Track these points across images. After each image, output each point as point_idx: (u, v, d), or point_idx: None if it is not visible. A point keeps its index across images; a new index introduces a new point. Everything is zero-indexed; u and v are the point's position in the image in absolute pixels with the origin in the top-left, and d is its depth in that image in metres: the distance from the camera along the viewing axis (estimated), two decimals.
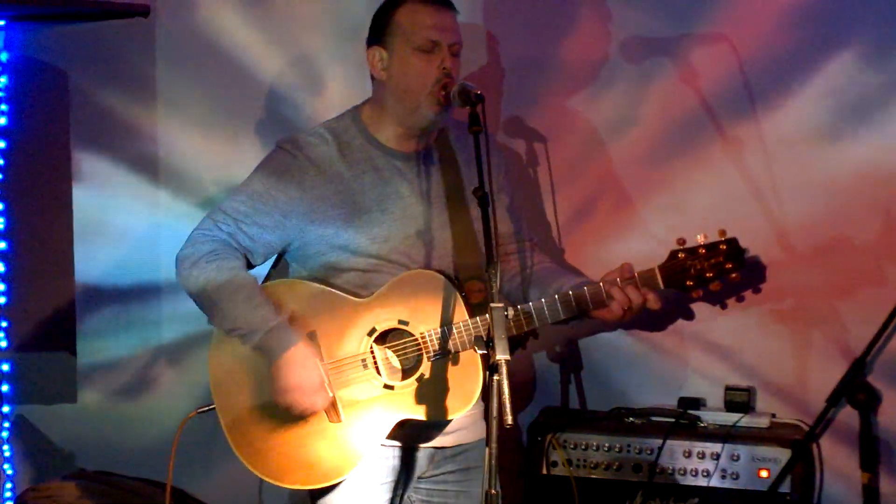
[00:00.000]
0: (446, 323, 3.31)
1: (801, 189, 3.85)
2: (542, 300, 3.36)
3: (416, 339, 3.33)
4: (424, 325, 3.32)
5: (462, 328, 3.31)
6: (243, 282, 3.36)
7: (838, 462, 3.82)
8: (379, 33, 3.42)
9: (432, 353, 3.31)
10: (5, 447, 4.60)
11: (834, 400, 3.62)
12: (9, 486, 4.61)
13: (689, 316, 4.00)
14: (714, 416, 3.85)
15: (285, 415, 3.34)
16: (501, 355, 2.84)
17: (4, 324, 4.58)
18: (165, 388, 4.58)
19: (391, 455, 3.41)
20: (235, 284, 3.35)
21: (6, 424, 4.60)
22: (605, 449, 3.78)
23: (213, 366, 3.45)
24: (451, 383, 3.30)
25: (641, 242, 3.97)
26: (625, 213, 4.07)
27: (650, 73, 4.01)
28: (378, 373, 3.34)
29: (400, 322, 3.34)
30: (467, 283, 3.39)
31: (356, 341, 3.35)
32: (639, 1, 4.01)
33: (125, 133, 4.51)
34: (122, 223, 4.54)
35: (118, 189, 4.54)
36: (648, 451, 3.74)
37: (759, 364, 3.97)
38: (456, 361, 3.32)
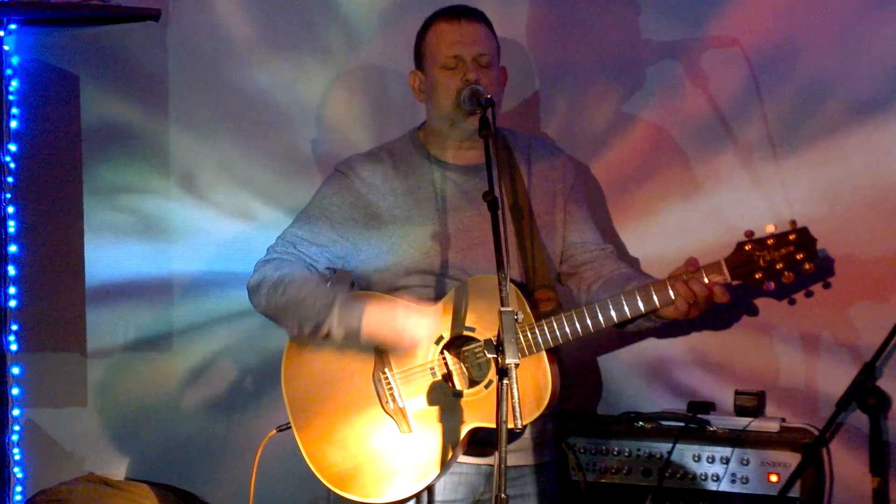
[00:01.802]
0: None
1: (812, 193, 3.84)
2: (608, 299, 3.28)
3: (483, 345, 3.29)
4: (491, 330, 3.25)
5: (528, 331, 3.26)
6: (306, 278, 3.42)
7: (848, 466, 3.81)
8: (416, 57, 3.53)
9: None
10: (15, 450, 4.60)
11: (844, 404, 3.60)
12: (19, 489, 4.61)
13: (699, 321, 3.99)
14: (724, 420, 3.83)
15: (358, 426, 3.35)
16: (511, 359, 2.84)
17: (15, 327, 4.59)
18: (176, 392, 4.59)
19: (450, 470, 3.37)
20: (298, 283, 3.40)
21: (16, 428, 4.61)
22: (615, 453, 3.77)
23: (287, 382, 3.45)
24: (521, 388, 3.10)
25: (654, 249, 3.99)
26: (634, 219, 4.07)
27: (658, 76, 4.01)
28: (447, 381, 3.33)
29: (466, 329, 3.32)
30: (537, 292, 3.39)
31: (424, 350, 3.35)
32: (649, 4, 4.02)
33: (136, 135, 4.52)
34: (133, 225, 4.55)
35: (129, 190, 4.55)
36: (658, 456, 3.74)
37: (769, 368, 3.95)
38: (525, 366, 3.19)
